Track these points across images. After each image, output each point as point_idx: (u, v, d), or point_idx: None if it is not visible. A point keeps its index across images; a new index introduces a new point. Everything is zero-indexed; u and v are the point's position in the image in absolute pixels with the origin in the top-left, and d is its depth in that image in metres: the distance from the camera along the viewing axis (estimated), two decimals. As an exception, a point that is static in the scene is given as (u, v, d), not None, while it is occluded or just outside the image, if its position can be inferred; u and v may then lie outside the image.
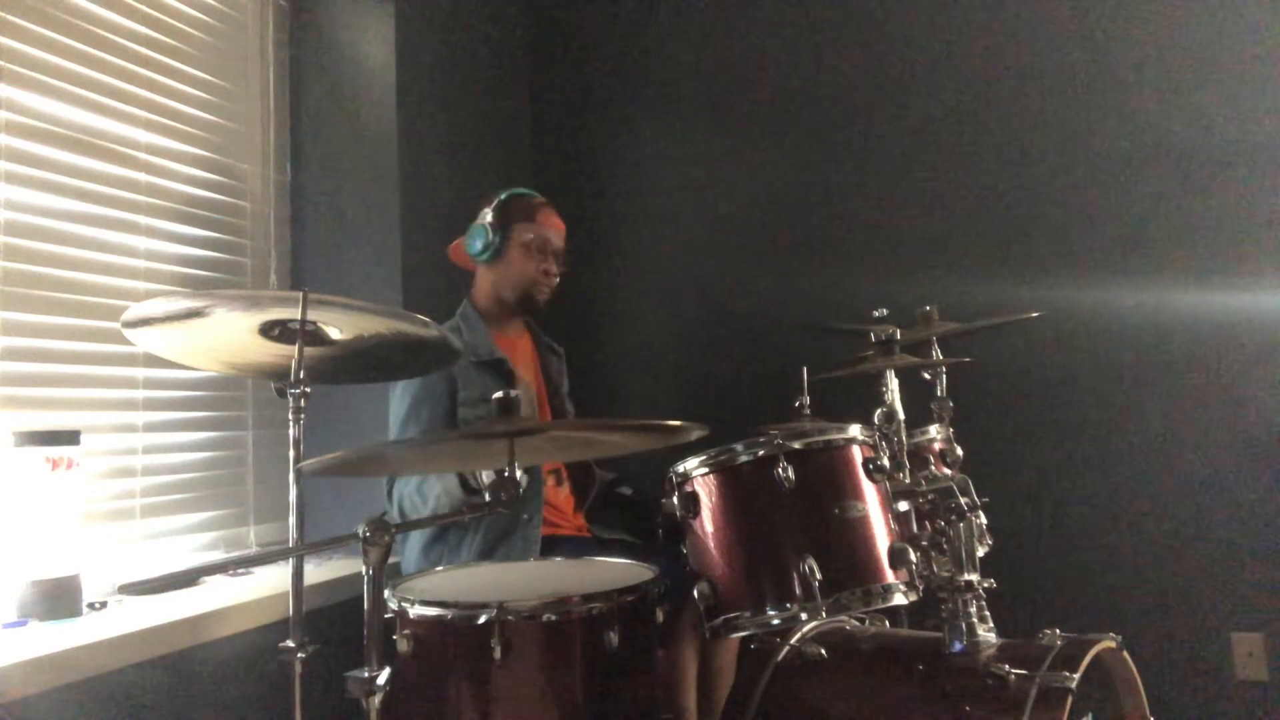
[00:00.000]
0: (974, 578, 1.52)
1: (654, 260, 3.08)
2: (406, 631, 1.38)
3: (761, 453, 1.52)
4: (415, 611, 1.39)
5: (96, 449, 1.81)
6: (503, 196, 2.19)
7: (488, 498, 1.25)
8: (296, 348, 1.42)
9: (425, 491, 1.86)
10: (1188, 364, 2.52)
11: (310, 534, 1.50)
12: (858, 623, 1.76)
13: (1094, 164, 2.63)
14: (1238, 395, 2.47)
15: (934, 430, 1.97)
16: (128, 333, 1.41)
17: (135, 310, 1.37)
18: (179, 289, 2.02)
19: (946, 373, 1.99)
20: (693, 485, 1.58)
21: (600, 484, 2.25)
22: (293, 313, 1.39)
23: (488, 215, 2.16)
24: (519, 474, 1.27)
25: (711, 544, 1.54)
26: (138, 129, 1.97)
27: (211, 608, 1.70)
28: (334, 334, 1.47)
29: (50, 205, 1.77)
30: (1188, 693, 2.45)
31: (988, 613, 1.55)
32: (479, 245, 2.16)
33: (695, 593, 1.53)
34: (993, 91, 2.73)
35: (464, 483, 1.80)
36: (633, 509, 2.24)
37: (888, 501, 1.56)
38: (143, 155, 1.98)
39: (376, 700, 1.17)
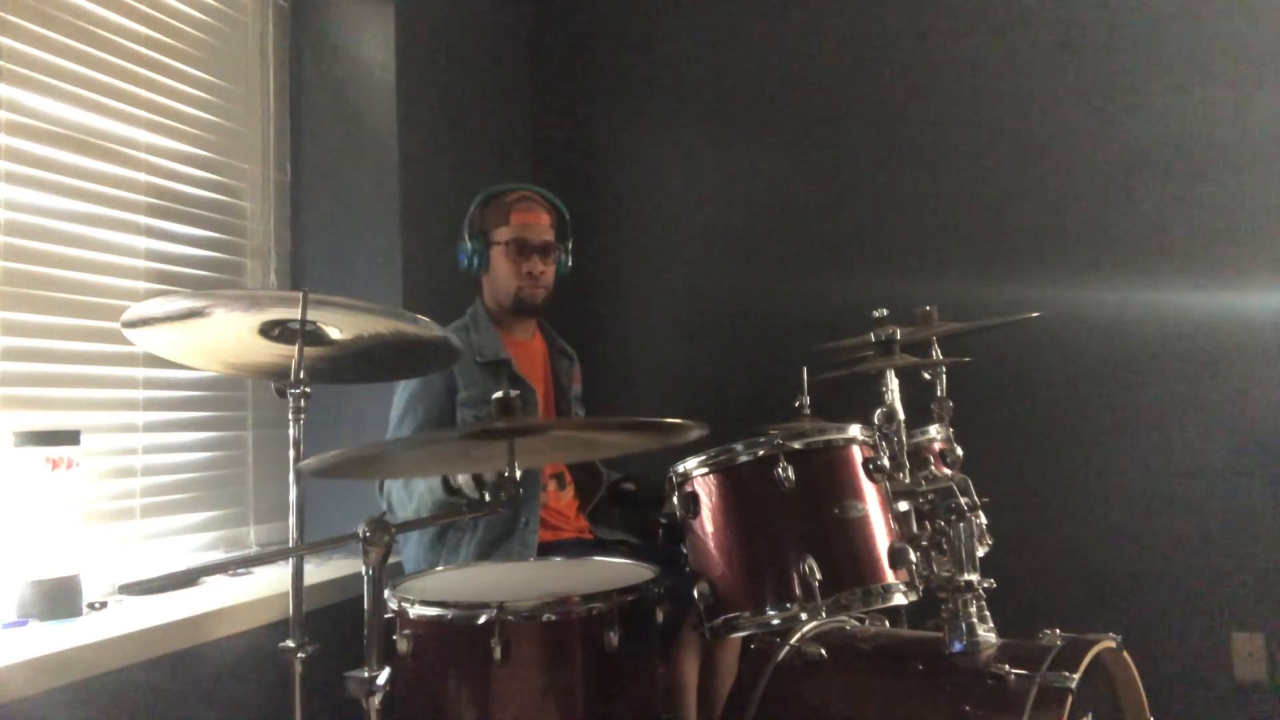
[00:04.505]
0: (974, 578, 1.52)
1: (654, 260, 3.08)
2: (406, 631, 1.38)
3: (761, 453, 1.52)
4: (415, 611, 1.39)
5: (96, 449, 1.81)
6: (477, 201, 2.18)
7: (479, 496, 1.25)
8: (296, 348, 1.42)
9: (411, 488, 1.87)
10: (1187, 363, 2.52)
11: (310, 534, 1.50)
12: (858, 623, 1.75)
13: (1094, 164, 2.63)
14: (1238, 394, 2.47)
15: (934, 430, 1.97)
16: (128, 333, 1.41)
17: (135, 310, 1.37)
18: (179, 289, 2.02)
19: (946, 373, 1.98)
20: (693, 485, 1.58)
21: (607, 486, 2.24)
22: (293, 313, 1.39)
23: (465, 226, 2.16)
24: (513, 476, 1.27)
25: (711, 544, 1.54)
26: (138, 129, 1.97)
27: (211, 608, 1.70)
28: (334, 334, 1.47)
29: (50, 205, 1.77)
30: (1188, 693, 2.44)
31: (988, 613, 1.54)
32: (463, 261, 2.17)
33: (695, 593, 1.53)
34: (993, 92, 2.73)
35: (446, 484, 1.80)
36: (636, 505, 2.22)
37: (888, 501, 1.56)
38: (143, 155, 1.98)
39: (376, 700, 1.16)
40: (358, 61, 2.44)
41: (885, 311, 1.84)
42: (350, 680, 1.17)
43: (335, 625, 1.74)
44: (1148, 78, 2.59)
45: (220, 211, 2.20)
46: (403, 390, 2.06)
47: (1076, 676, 1.36)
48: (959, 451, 1.92)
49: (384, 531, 1.17)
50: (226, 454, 2.18)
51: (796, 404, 2.03)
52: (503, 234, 2.13)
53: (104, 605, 1.68)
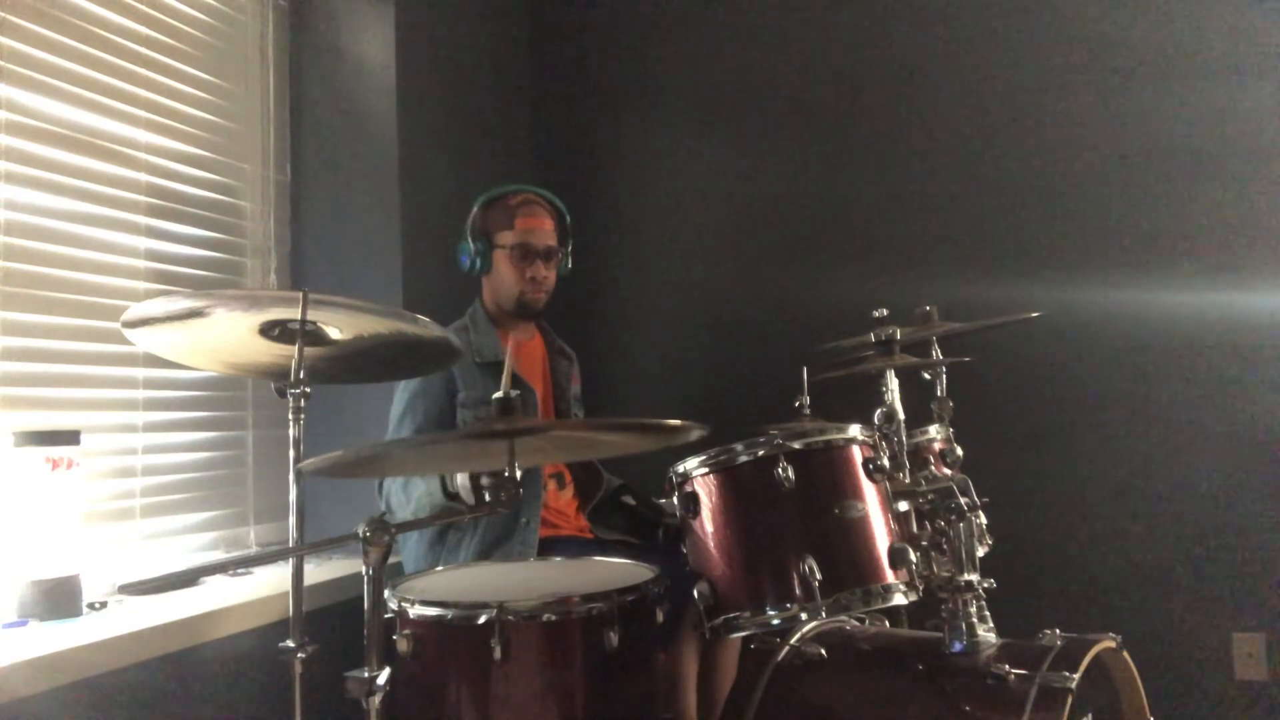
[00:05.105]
0: (974, 578, 1.52)
1: (654, 260, 3.08)
2: (406, 631, 1.38)
3: (761, 453, 1.52)
4: (415, 611, 1.39)
5: (96, 449, 1.81)
6: (480, 202, 2.16)
7: (470, 501, 1.25)
8: (296, 348, 1.42)
9: (410, 490, 1.87)
10: (1188, 364, 2.52)
11: (310, 534, 1.50)
12: (858, 623, 1.75)
13: (1094, 164, 2.63)
14: (1238, 395, 2.47)
15: (934, 430, 1.97)
16: (128, 333, 1.41)
17: (135, 310, 1.37)
18: (179, 289, 2.02)
19: (946, 373, 1.98)
20: (693, 485, 1.58)
21: (607, 490, 2.24)
22: (293, 313, 1.39)
23: (467, 228, 2.15)
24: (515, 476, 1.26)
25: (711, 544, 1.54)
26: (138, 129, 1.97)
27: (211, 608, 1.70)
28: (334, 334, 1.47)
29: (50, 205, 1.76)
30: (1188, 693, 2.45)
31: (988, 613, 1.55)
32: (465, 262, 2.16)
33: (695, 593, 1.53)
34: (993, 92, 2.73)
35: (445, 490, 1.80)
36: (636, 517, 2.22)
37: (888, 501, 1.56)
38: (143, 155, 1.98)
39: (376, 700, 1.16)
40: (358, 61, 2.44)
41: (885, 311, 1.84)
42: (350, 680, 1.17)
43: (335, 625, 1.74)
44: (1148, 77, 2.59)
45: (220, 211, 2.20)
46: (402, 391, 2.06)
47: (1076, 676, 1.36)
48: (959, 451, 1.92)
49: (384, 531, 1.17)
50: (226, 454, 2.18)
51: (796, 404, 2.03)
52: (506, 238, 2.13)
53: (104, 605, 1.68)
